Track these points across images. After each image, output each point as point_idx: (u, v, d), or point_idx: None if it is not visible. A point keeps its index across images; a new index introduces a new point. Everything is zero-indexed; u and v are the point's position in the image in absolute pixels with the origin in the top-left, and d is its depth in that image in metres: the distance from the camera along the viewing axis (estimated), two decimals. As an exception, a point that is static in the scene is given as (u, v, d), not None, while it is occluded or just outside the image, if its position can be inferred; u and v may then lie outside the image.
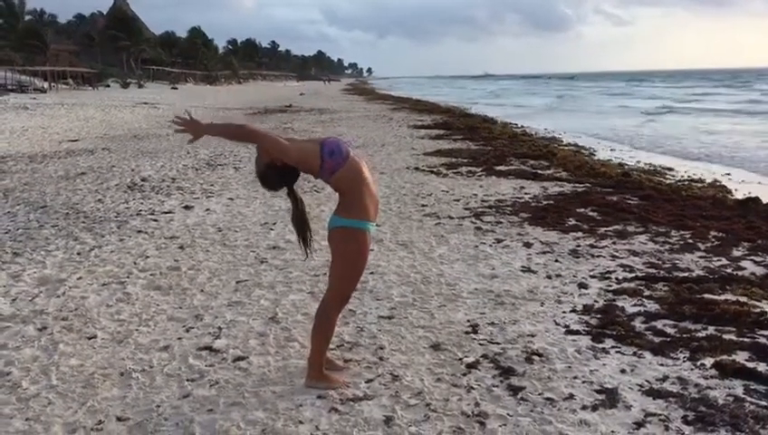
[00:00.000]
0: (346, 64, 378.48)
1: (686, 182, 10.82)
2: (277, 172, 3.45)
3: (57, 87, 50.08)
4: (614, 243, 6.68)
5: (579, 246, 6.59)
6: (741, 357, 3.95)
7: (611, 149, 16.55)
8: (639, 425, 3.20)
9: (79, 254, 6.39)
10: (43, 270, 5.86)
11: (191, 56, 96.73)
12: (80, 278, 5.62)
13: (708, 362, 3.89)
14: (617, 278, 5.53)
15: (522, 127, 22.98)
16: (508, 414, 3.32)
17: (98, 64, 70.59)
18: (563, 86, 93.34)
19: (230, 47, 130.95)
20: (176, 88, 67.23)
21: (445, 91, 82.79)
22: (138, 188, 10.17)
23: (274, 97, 51.89)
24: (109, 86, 60.49)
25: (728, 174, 12.43)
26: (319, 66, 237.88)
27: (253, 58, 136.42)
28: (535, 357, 3.98)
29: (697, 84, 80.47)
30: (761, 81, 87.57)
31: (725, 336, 4.25)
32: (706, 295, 5.02)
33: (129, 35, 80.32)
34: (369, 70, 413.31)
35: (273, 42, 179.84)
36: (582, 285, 5.35)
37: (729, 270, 5.71)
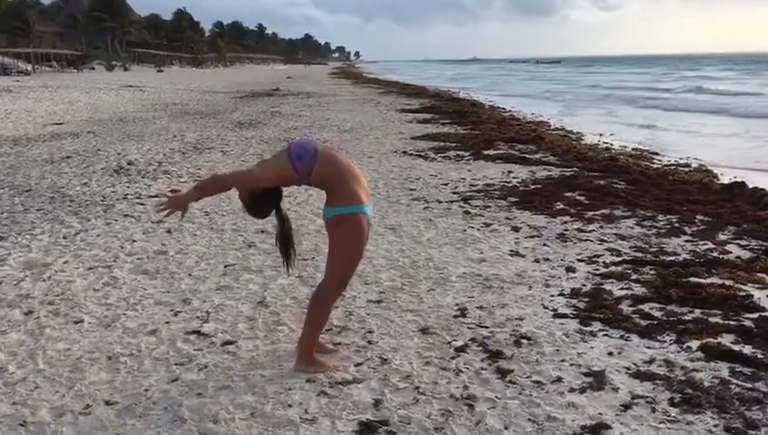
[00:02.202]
0: (333, 48, 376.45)
1: (673, 167, 10.86)
2: (261, 199, 3.47)
3: (41, 69, 49.51)
4: (601, 227, 6.71)
5: (566, 230, 6.61)
6: (727, 340, 3.99)
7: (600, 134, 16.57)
8: (626, 407, 3.23)
9: (65, 238, 6.34)
10: (29, 254, 5.81)
11: (177, 39, 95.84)
12: (66, 262, 5.57)
13: (694, 344, 3.92)
14: (604, 262, 5.56)
15: (509, 111, 22.99)
16: (496, 397, 3.33)
17: (82, 46, 69.76)
18: (515, 71, 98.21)
19: (216, 30, 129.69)
20: (161, 71, 66.65)
21: (425, 75, 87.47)
22: (124, 171, 10.09)
23: (261, 80, 51.56)
24: (93, 69, 59.89)
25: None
26: (306, 50, 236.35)
27: (239, 41, 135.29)
28: (523, 340, 4.00)
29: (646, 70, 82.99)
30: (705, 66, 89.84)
31: (711, 319, 4.29)
32: (693, 279, 5.06)
33: (115, 17, 79.35)
34: (357, 54, 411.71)
35: (260, 24, 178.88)
36: (570, 269, 5.37)
37: (715, 254, 5.75)
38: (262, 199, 3.47)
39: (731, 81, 46.72)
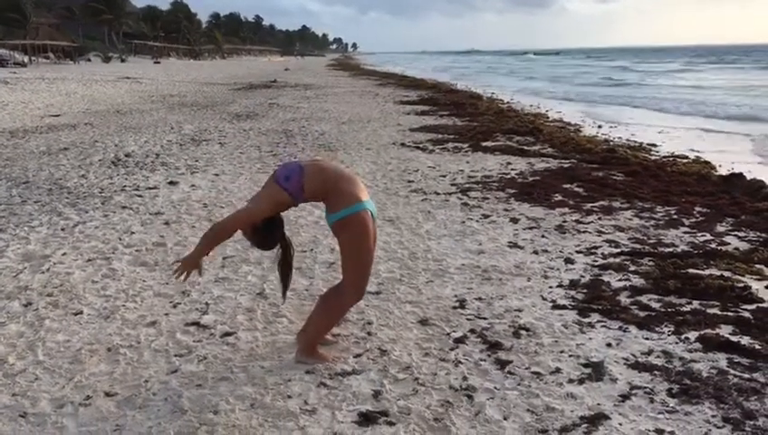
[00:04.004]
0: (331, 40, 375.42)
1: (671, 158, 10.86)
2: (263, 230, 3.49)
3: (38, 61, 49.35)
4: (600, 218, 6.72)
5: (565, 221, 6.62)
6: (724, 331, 4.00)
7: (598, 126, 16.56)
8: (625, 398, 3.24)
9: (63, 230, 6.33)
10: (27, 246, 5.80)
11: (174, 30, 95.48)
12: (64, 254, 5.57)
13: (692, 335, 3.94)
14: (603, 253, 5.57)
15: (507, 103, 22.97)
16: (495, 388, 3.34)
17: (79, 38, 69.50)
18: (491, 63, 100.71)
19: (213, 21, 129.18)
20: (158, 62, 66.47)
21: (414, 65, 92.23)
22: (122, 163, 10.07)
23: (259, 72, 51.44)
24: (90, 60, 59.68)
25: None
26: (304, 42, 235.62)
27: (237, 33, 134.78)
28: (522, 332, 4.01)
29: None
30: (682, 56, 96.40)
31: (709, 310, 4.31)
32: (691, 270, 5.07)
33: (111, 8, 79.03)
34: (355, 45, 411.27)
35: (258, 16, 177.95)
36: (569, 261, 5.38)
37: (713, 245, 5.76)
38: (264, 230, 3.50)
39: (646, 74, 49.76)
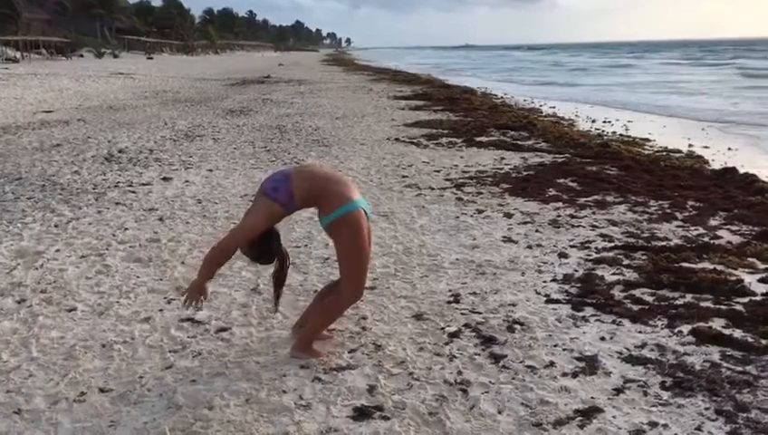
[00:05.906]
0: (325, 35, 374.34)
1: (664, 153, 10.89)
2: (260, 244, 3.48)
3: (30, 57, 49.08)
4: (594, 213, 6.74)
5: (559, 216, 6.63)
6: (717, 324, 4.02)
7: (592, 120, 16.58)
8: (619, 391, 3.25)
9: (56, 226, 6.31)
10: (20, 242, 5.78)
11: (167, 26, 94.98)
12: (58, 250, 5.55)
13: (686, 329, 3.96)
14: (596, 248, 5.58)
15: (501, 97, 22.98)
16: (490, 382, 3.35)
17: (71, 34, 69.09)
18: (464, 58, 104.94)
19: (207, 17, 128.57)
20: (151, 58, 66.19)
21: (403, 60, 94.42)
22: (115, 159, 10.04)
23: (252, 68, 51.27)
24: (83, 56, 59.33)
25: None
26: (297, 37, 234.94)
27: (230, 28, 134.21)
28: (516, 326, 4.02)
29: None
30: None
31: (702, 304, 4.33)
32: (684, 264, 5.09)
33: (104, 4, 78.55)
34: (349, 40, 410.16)
35: (251, 11, 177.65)
36: (562, 255, 5.40)
37: (706, 239, 5.79)
38: (261, 244, 3.48)
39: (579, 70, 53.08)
